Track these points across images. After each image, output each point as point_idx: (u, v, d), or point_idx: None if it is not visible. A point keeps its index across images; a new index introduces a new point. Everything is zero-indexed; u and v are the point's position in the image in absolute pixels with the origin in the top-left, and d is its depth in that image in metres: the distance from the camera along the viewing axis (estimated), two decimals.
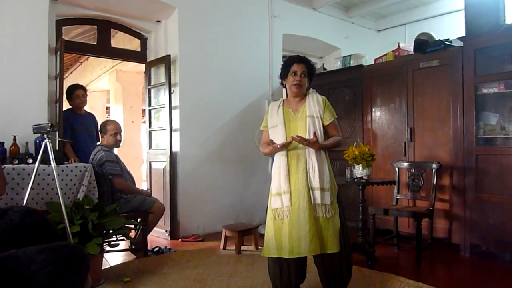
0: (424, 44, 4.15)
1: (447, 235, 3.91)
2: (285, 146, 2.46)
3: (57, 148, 3.62)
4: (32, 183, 2.84)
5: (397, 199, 4.05)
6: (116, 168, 3.70)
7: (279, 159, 2.52)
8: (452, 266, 3.63)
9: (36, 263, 0.75)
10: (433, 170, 3.77)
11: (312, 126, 2.48)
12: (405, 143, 4.27)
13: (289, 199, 2.42)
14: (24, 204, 2.75)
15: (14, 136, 3.42)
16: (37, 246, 0.82)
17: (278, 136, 2.54)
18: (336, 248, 2.39)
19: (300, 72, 2.57)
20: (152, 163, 4.91)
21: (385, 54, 4.68)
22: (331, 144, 2.53)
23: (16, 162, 3.26)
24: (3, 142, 3.36)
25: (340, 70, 5.12)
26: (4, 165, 3.12)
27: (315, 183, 2.42)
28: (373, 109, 4.61)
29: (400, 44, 4.67)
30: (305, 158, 2.46)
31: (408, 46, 4.62)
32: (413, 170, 3.95)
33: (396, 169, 4.09)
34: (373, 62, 4.86)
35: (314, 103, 2.56)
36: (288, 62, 2.65)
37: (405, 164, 4.06)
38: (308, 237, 2.33)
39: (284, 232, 2.40)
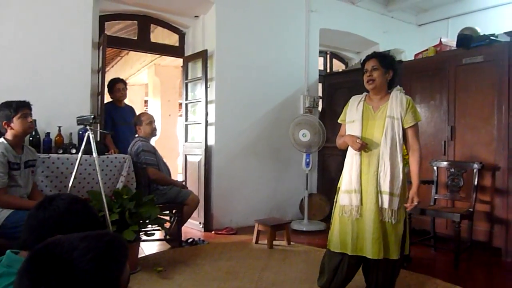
0: (468, 39, 3.98)
1: (488, 239, 3.75)
2: (362, 149, 2.38)
3: (98, 140, 3.77)
4: (75, 172, 2.98)
5: (435, 199, 3.92)
6: (152, 158, 3.79)
7: (353, 157, 2.45)
8: (492, 270, 3.49)
9: (78, 250, 0.79)
10: (475, 170, 3.63)
11: (390, 128, 2.35)
12: (445, 141, 4.13)
13: (359, 198, 2.38)
14: (68, 192, 2.89)
15: (59, 127, 3.59)
16: (80, 233, 0.86)
17: (353, 133, 2.45)
18: (397, 255, 2.34)
19: (370, 68, 2.44)
20: (188, 156, 5.01)
21: (426, 50, 4.52)
22: (419, 173, 2.43)
23: (61, 151, 3.42)
24: (49, 133, 3.53)
25: None
26: (50, 155, 3.29)
27: (385, 187, 2.34)
28: None
29: (442, 39, 4.50)
30: (377, 160, 2.36)
31: (451, 41, 4.45)
32: (453, 170, 3.81)
33: (435, 168, 3.96)
34: (413, 58, 4.71)
35: (397, 103, 2.39)
36: (362, 63, 2.56)
37: (445, 163, 3.92)
38: (372, 240, 2.31)
39: (349, 230, 2.39)
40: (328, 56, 6.53)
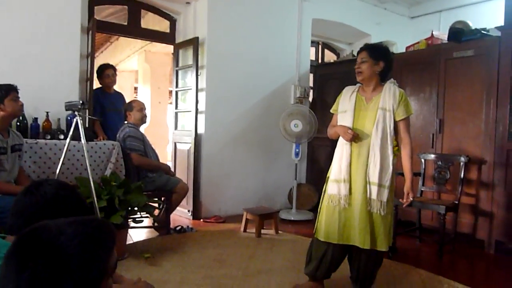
0: (459, 32, 4.00)
1: (472, 231, 3.83)
2: (353, 140, 2.39)
3: (87, 126, 3.73)
4: (63, 158, 2.95)
5: (422, 191, 3.98)
6: (137, 144, 3.77)
7: (343, 146, 2.46)
8: (475, 262, 3.57)
9: (65, 235, 0.79)
10: (461, 163, 3.68)
11: (381, 120, 2.36)
12: (433, 134, 4.17)
13: (348, 188, 2.40)
14: (55, 178, 2.86)
15: (47, 112, 3.55)
16: (67, 218, 0.86)
17: (344, 123, 2.45)
18: (385, 247, 2.36)
19: (360, 60, 2.46)
20: (177, 144, 4.99)
21: (418, 42, 4.54)
22: (411, 168, 2.47)
23: (48, 137, 3.39)
24: (37, 118, 3.48)
25: None
26: (37, 140, 3.25)
27: (374, 177, 2.35)
28: None
29: (433, 32, 4.51)
30: (367, 150, 2.37)
31: (442, 34, 4.47)
32: (440, 163, 3.86)
33: (422, 160, 4.01)
34: (404, 50, 4.73)
35: (390, 95, 2.39)
36: (356, 54, 2.57)
37: (432, 156, 3.97)
38: (358, 229, 2.34)
39: (336, 219, 2.41)
40: (320, 46, 6.52)
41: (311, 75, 5.94)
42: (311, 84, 5.94)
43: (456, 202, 3.61)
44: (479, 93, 3.82)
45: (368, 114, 2.41)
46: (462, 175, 3.66)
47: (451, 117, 4.04)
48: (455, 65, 4.01)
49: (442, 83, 4.11)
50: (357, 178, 2.39)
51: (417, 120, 4.32)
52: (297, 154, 4.93)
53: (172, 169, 4.82)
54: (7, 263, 0.78)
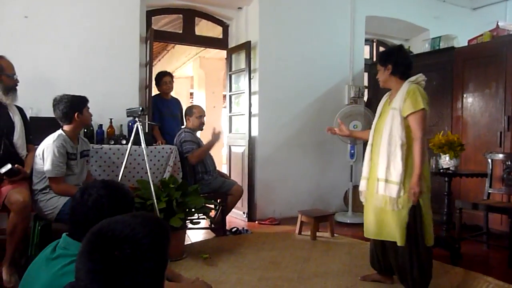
0: None
1: None
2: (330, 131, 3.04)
3: (146, 131, 3.92)
4: (125, 162, 3.12)
5: (489, 193, 3.72)
6: (193, 147, 3.85)
7: (367, 146, 2.68)
8: None
9: (133, 229, 0.88)
10: None
11: (390, 119, 2.47)
12: (500, 132, 3.89)
13: (365, 184, 2.60)
14: (119, 181, 3.04)
15: (110, 119, 3.77)
16: (126, 215, 0.94)
17: (373, 125, 2.67)
18: (400, 242, 2.39)
19: (378, 72, 2.67)
20: (232, 147, 5.09)
21: (481, 35, 4.27)
22: (419, 165, 2.35)
23: (112, 142, 3.60)
24: (102, 125, 3.72)
25: (428, 53, 4.78)
26: (102, 145, 3.48)
27: (381, 174, 2.46)
28: (465, 95, 4.25)
29: (499, 23, 4.22)
30: (378, 148, 2.52)
31: (509, 25, 4.17)
32: (509, 163, 3.58)
33: (489, 160, 3.74)
34: (466, 44, 4.46)
35: (401, 93, 2.46)
36: None
37: (500, 155, 3.70)
38: (369, 221, 2.56)
39: (366, 214, 2.62)
40: (374, 44, 6.32)
41: (366, 74, 5.78)
42: (366, 84, 5.79)
43: None
44: None
45: (385, 115, 2.55)
46: None
47: None
48: None
49: (510, 77, 3.82)
50: (372, 175, 2.56)
51: (482, 118, 4.06)
52: (352, 155, 4.82)
53: (227, 172, 4.93)
54: (86, 256, 0.85)
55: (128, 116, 3.19)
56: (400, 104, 2.43)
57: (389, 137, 2.44)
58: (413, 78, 2.52)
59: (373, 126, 2.66)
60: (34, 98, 3.43)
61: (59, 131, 2.81)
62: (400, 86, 2.52)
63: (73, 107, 2.79)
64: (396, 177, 2.39)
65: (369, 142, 2.64)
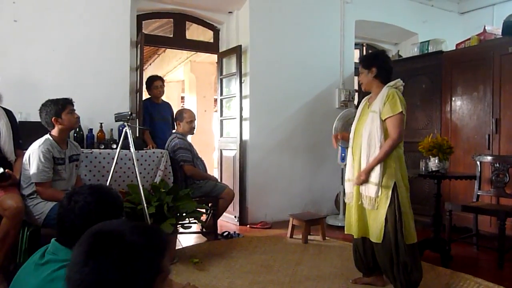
0: None
1: None
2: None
3: (137, 135, 3.90)
4: (115, 166, 3.09)
5: (478, 195, 3.76)
6: (188, 155, 3.88)
7: (349, 148, 2.74)
8: None
9: (127, 233, 0.88)
10: None
11: (370, 122, 2.54)
12: (489, 135, 3.95)
13: (351, 185, 2.67)
14: (107, 185, 3.01)
15: (101, 124, 3.75)
16: (117, 220, 0.94)
17: (352, 128, 2.72)
18: (377, 239, 2.49)
19: (360, 75, 2.73)
20: (223, 151, 5.08)
21: (469, 39, 4.33)
22: (380, 158, 2.46)
23: (102, 147, 3.57)
24: (92, 129, 3.69)
25: (417, 57, 4.84)
26: (92, 150, 3.45)
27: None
28: (453, 99, 4.31)
29: (486, 27, 4.29)
30: (360, 151, 2.59)
31: (496, 29, 4.23)
32: (498, 165, 3.63)
33: (478, 163, 3.79)
34: (454, 48, 4.52)
35: (381, 97, 2.54)
36: None
37: (489, 158, 3.75)
38: (353, 220, 2.63)
39: (349, 213, 2.70)
40: (364, 48, 6.37)
41: (356, 78, 5.82)
42: (356, 87, 5.83)
43: None
44: None
45: (364, 118, 2.61)
46: None
47: (508, 116, 3.81)
48: (511, 61, 3.78)
49: (497, 80, 3.88)
50: (355, 177, 2.62)
51: (471, 121, 4.11)
52: (343, 159, 4.82)
53: (218, 176, 4.92)
54: (78, 260, 0.84)
55: (116, 121, 3.16)
56: (380, 107, 2.50)
57: (369, 139, 2.52)
58: (392, 83, 2.60)
59: (352, 129, 2.72)
60: (23, 103, 3.40)
61: (46, 136, 2.78)
62: (380, 90, 2.60)
63: (50, 113, 2.76)
64: (375, 178, 2.48)
65: (350, 145, 2.72)
